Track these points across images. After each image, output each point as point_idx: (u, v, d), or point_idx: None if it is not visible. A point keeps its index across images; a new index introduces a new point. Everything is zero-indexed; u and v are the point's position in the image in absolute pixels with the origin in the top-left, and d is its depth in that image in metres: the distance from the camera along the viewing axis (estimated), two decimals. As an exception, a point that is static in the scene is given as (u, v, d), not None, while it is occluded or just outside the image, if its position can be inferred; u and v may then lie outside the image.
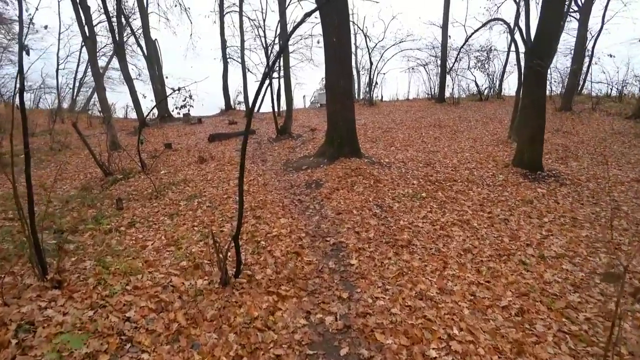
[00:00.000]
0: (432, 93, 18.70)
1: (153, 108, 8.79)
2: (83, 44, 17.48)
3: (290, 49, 20.36)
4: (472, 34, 13.67)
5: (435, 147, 8.85)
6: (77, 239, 4.00)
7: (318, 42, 10.51)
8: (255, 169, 7.39)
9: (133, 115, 16.50)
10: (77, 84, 22.05)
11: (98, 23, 17.34)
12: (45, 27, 16.26)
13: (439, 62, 18.22)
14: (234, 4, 16.84)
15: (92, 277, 2.97)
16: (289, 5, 11.96)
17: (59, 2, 21.21)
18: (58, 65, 20.89)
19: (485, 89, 17.94)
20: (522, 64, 9.15)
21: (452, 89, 17.80)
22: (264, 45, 9.93)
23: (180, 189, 6.05)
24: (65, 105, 21.39)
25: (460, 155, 8.14)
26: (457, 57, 17.67)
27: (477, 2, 31.98)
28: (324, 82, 7.62)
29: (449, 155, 8.12)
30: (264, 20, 10.89)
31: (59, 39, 20.63)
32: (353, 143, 7.32)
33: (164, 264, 3.29)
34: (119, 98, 33.00)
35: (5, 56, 20.63)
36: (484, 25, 15.11)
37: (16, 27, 18.45)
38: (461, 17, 39.91)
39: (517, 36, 9.24)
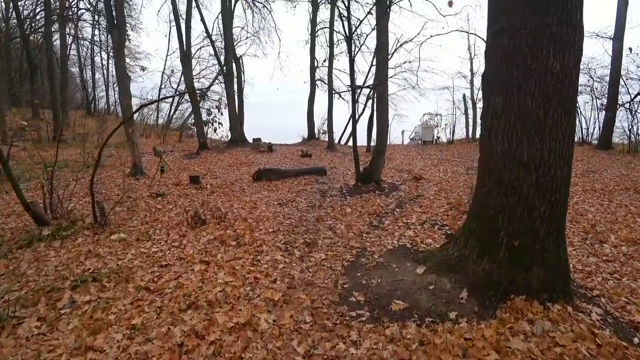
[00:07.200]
0: (585, 136, 12.90)
1: (126, 119, 5.85)
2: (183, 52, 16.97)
3: (390, 72, 16.85)
4: None
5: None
6: None
7: None
8: (277, 270, 3.21)
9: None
10: (175, 103, 22.26)
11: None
12: (143, 69, 16.57)
13: (599, 90, 12.59)
14: (326, 19, 14.31)
15: None
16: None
17: (170, 27, 22.28)
18: (162, 84, 21.47)
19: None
20: None
21: (633, 130, 11.36)
22: (347, 32, 6.43)
23: (66, 308, 2.52)
24: (161, 121, 21.66)
25: None
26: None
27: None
28: (485, 48, 2.71)
29: None
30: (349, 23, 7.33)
31: (165, 60, 21.38)
32: (555, 255, 2.46)
33: None
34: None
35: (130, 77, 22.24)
36: None
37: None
38: None
39: None
